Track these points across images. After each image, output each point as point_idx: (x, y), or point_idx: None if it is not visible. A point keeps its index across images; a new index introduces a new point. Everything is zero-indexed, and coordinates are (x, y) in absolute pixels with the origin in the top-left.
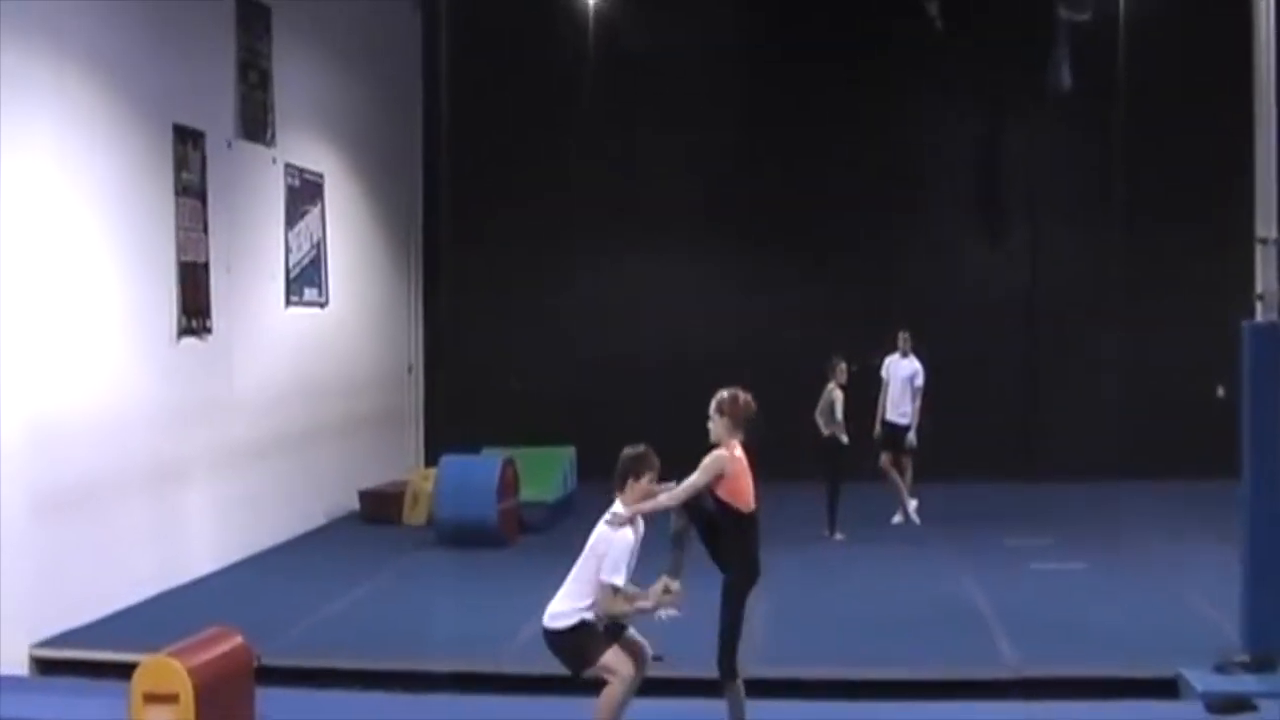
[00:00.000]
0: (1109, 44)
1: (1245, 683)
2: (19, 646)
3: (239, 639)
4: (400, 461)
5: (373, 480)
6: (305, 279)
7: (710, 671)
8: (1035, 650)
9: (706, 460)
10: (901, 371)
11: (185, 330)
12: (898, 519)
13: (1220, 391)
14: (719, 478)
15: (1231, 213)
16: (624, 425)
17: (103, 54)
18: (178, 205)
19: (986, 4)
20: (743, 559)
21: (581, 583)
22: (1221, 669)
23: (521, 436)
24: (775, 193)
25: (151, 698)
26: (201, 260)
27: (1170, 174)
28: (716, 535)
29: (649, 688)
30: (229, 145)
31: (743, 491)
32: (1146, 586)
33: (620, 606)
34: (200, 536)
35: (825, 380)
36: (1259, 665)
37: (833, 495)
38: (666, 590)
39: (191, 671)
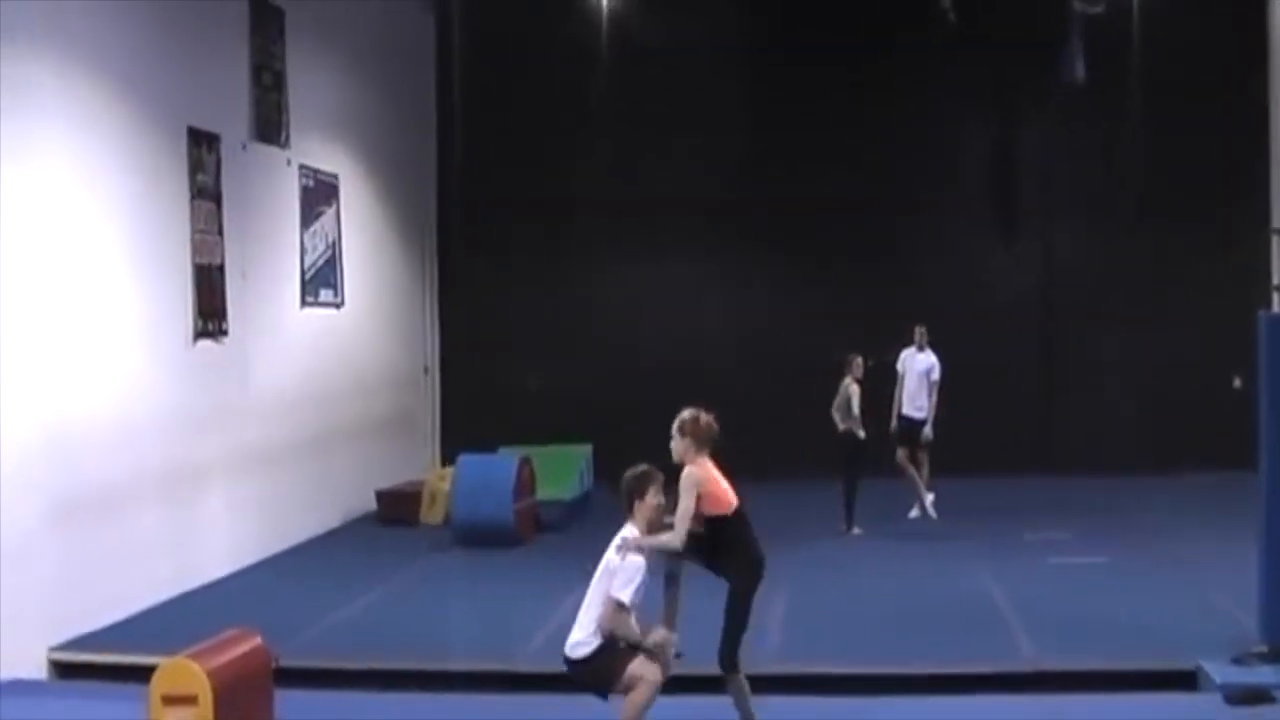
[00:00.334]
0: (1122, 36)
1: (1264, 674)
2: (37, 650)
3: (257, 640)
4: (417, 462)
5: (389, 481)
6: (320, 280)
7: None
8: (1053, 644)
9: (683, 482)
10: (918, 366)
11: (201, 333)
12: (915, 513)
13: (1237, 383)
14: (699, 493)
15: (1247, 205)
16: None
17: (116, 58)
18: (193, 208)
19: (996, 2)
20: (742, 560)
21: (597, 609)
22: (1240, 661)
23: (538, 436)
24: (786, 195)
25: (170, 700)
26: (217, 263)
27: (1184, 167)
28: (714, 550)
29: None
30: (243, 147)
31: (720, 495)
32: (1164, 579)
33: (624, 629)
34: (217, 539)
35: (840, 377)
36: (1277, 657)
37: (850, 490)
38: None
39: (210, 673)
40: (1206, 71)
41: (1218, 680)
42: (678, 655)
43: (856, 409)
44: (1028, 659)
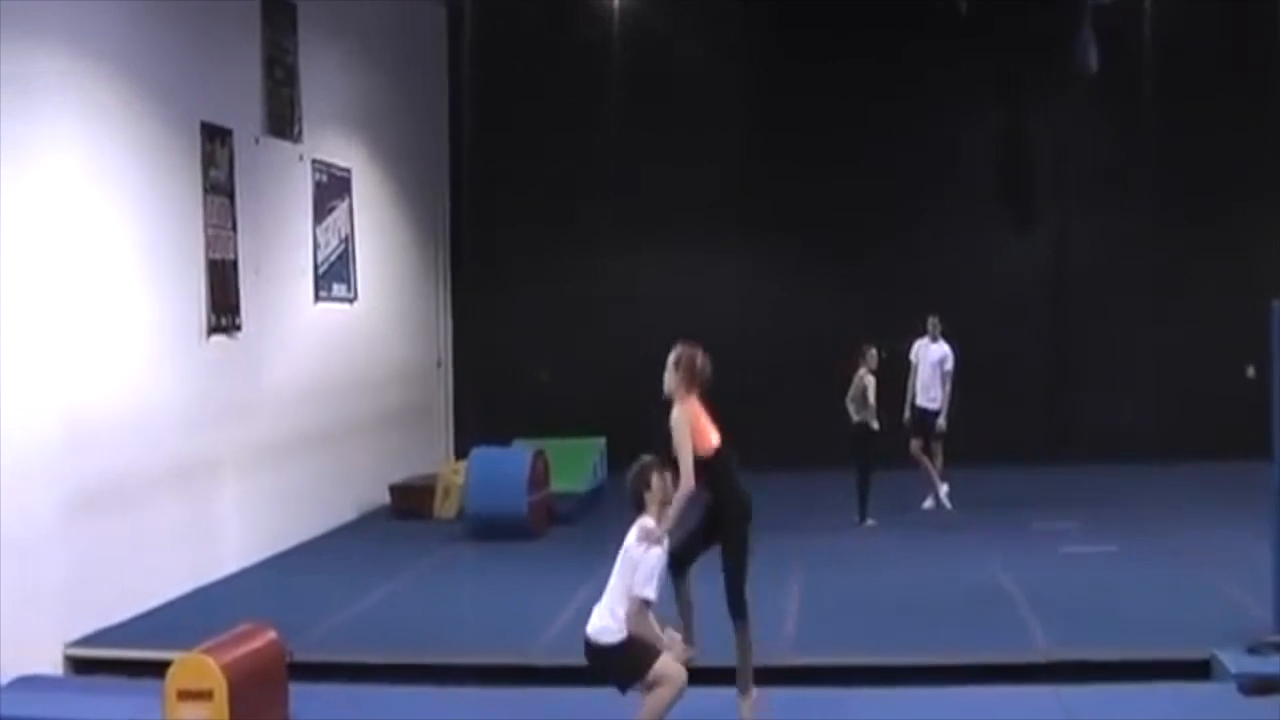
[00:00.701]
0: (1135, 26)
1: (1278, 664)
2: (53, 646)
3: (271, 635)
4: (430, 455)
5: (403, 474)
6: (334, 275)
7: (725, 661)
8: (1066, 633)
9: (675, 422)
10: (931, 356)
11: (215, 328)
12: (929, 504)
13: (1250, 372)
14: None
15: (1261, 195)
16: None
17: (129, 53)
18: (206, 203)
19: None
20: (728, 504)
21: (619, 595)
22: (1254, 650)
23: (551, 428)
24: (796, 187)
25: (185, 695)
26: (230, 258)
27: (1197, 156)
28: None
29: None
30: (256, 142)
31: (703, 434)
32: (1177, 569)
33: (647, 629)
34: (232, 533)
35: (854, 368)
36: None
37: (863, 481)
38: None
39: (225, 668)
40: (1220, 61)
41: (1232, 670)
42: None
43: (872, 400)
44: (1041, 649)
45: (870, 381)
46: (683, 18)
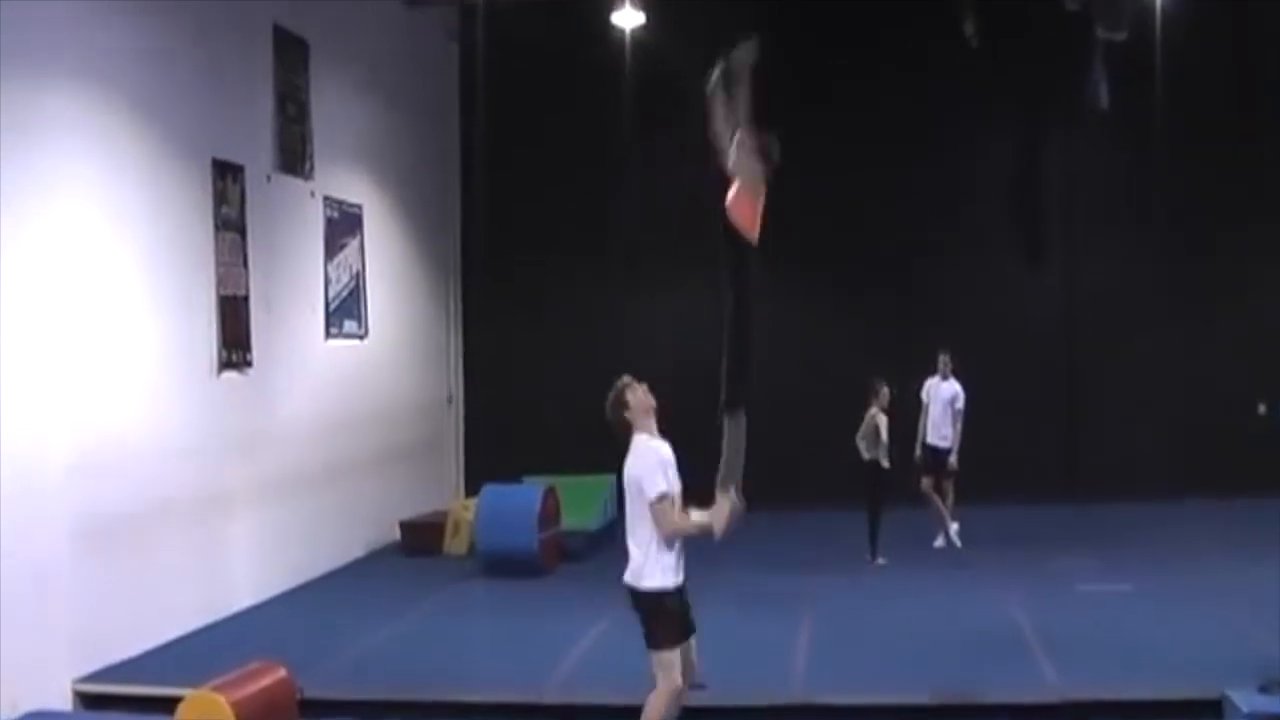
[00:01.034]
0: (1147, 62)
1: None
2: (63, 681)
3: (282, 672)
4: (441, 492)
5: (413, 511)
6: (344, 311)
7: (749, 699)
8: (1080, 673)
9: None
10: (942, 394)
11: (226, 364)
12: (940, 543)
13: (1262, 409)
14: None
15: (1271, 229)
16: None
17: (141, 90)
18: (217, 239)
19: (1022, 25)
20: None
21: (637, 522)
22: (1266, 689)
23: (562, 465)
24: (810, 219)
25: None
26: (241, 294)
27: (1209, 191)
28: None
29: (688, 715)
30: (268, 179)
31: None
32: (1191, 606)
33: (681, 523)
34: (242, 569)
35: (866, 405)
36: None
37: (874, 520)
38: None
39: (235, 705)
40: (1231, 98)
41: (1244, 709)
42: (700, 686)
43: (884, 438)
44: (1053, 688)
45: (882, 420)
46: (694, 53)
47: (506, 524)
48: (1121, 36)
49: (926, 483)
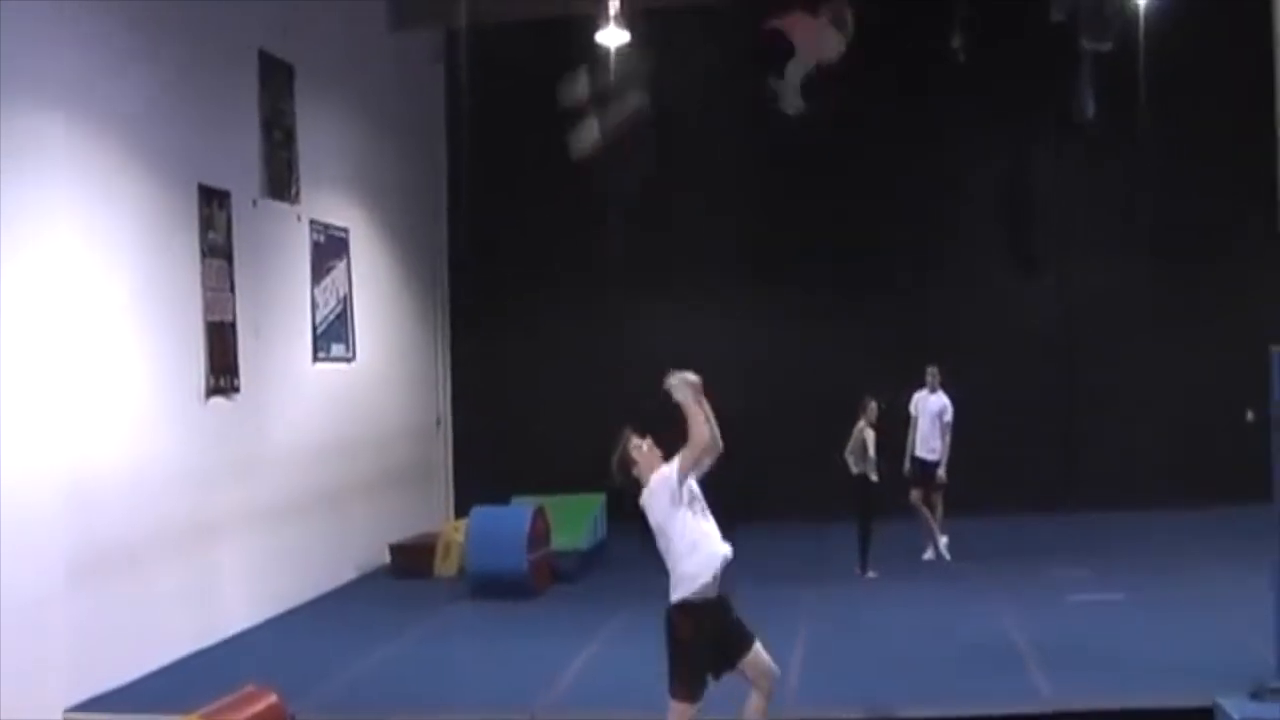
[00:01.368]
0: (1131, 72)
1: None
2: (55, 710)
3: (273, 697)
4: (431, 514)
5: (403, 533)
6: (332, 334)
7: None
8: (1072, 683)
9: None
10: (930, 407)
11: (214, 390)
12: (929, 555)
13: (1250, 416)
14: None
15: (1260, 240)
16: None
17: (127, 117)
18: (204, 265)
19: (1009, 37)
20: None
21: (669, 550)
22: (1257, 696)
23: (551, 485)
24: (801, 234)
25: None
26: (228, 319)
27: (1197, 202)
28: None
29: None
30: (254, 204)
31: None
32: (1183, 615)
33: (696, 429)
34: (233, 594)
35: (855, 419)
36: None
37: (864, 533)
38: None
39: None
40: (1216, 104)
41: (1235, 717)
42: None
43: (872, 452)
44: (1045, 699)
45: (870, 434)
46: (681, 69)
47: (496, 545)
48: (1107, 47)
49: (916, 496)
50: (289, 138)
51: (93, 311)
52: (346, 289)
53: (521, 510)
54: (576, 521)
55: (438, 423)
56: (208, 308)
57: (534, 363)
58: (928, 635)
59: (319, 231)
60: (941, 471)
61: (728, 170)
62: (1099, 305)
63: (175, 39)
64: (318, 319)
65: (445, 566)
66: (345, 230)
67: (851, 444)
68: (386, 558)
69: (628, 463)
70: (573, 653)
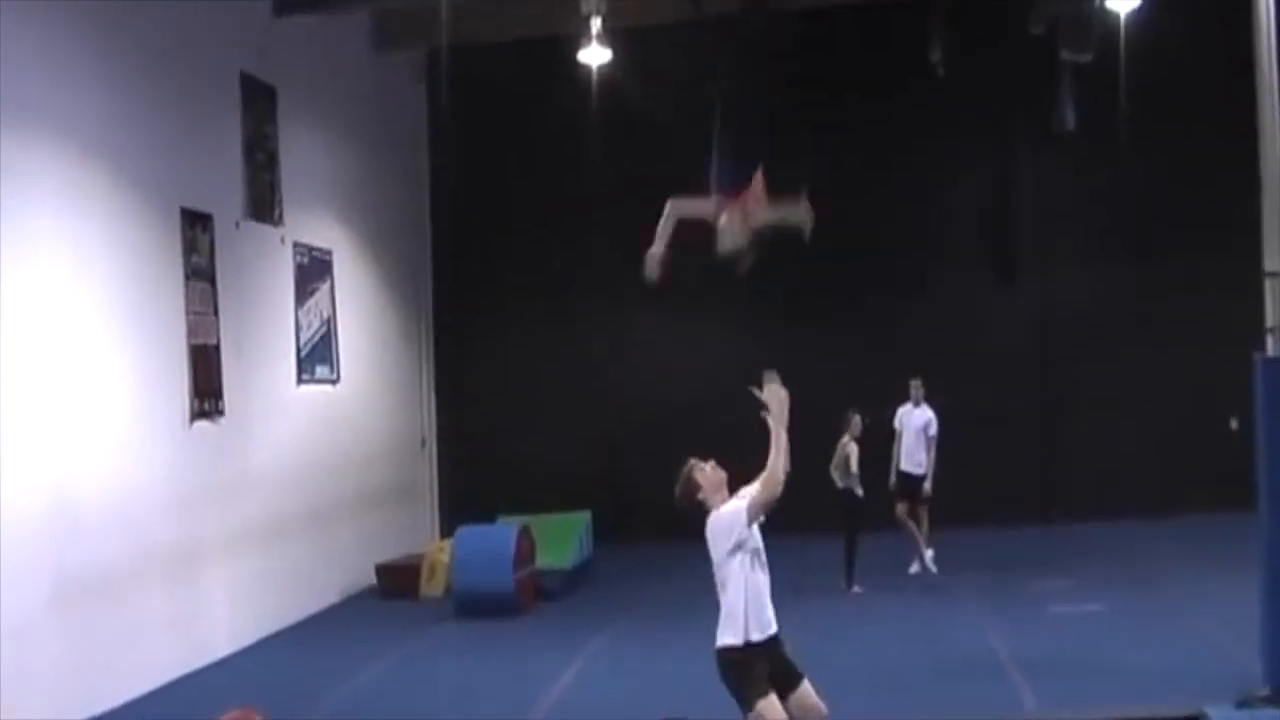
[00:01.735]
0: (1111, 83)
1: (1268, 717)
2: None
3: None
4: (416, 534)
5: (389, 554)
6: (316, 356)
7: None
8: (1056, 694)
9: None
10: (915, 421)
11: (198, 413)
12: (915, 569)
13: (1234, 424)
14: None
15: (1240, 247)
16: (638, 489)
17: (108, 140)
18: (188, 289)
19: (988, 50)
20: None
21: (722, 586)
22: (1244, 705)
23: (536, 504)
24: (783, 248)
25: None
26: (212, 342)
27: (1178, 211)
28: None
29: None
30: (237, 226)
31: None
32: (1167, 624)
33: (774, 469)
34: (219, 617)
35: (838, 435)
36: None
37: (850, 548)
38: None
39: None
40: (1195, 114)
41: None
42: None
43: (855, 467)
44: (1030, 711)
45: (853, 449)
46: (663, 87)
47: (482, 565)
48: (1087, 58)
49: (901, 509)
50: (271, 160)
51: (77, 336)
52: (330, 310)
53: (507, 529)
54: (562, 540)
55: (422, 443)
56: (191, 331)
57: (518, 382)
58: (914, 649)
59: (302, 253)
60: (927, 485)
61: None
62: (1081, 315)
63: (157, 62)
64: (302, 341)
65: (431, 587)
66: (329, 252)
67: (836, 459)
68: (372, 579)
69: (693, 488)
70: (559, 671)
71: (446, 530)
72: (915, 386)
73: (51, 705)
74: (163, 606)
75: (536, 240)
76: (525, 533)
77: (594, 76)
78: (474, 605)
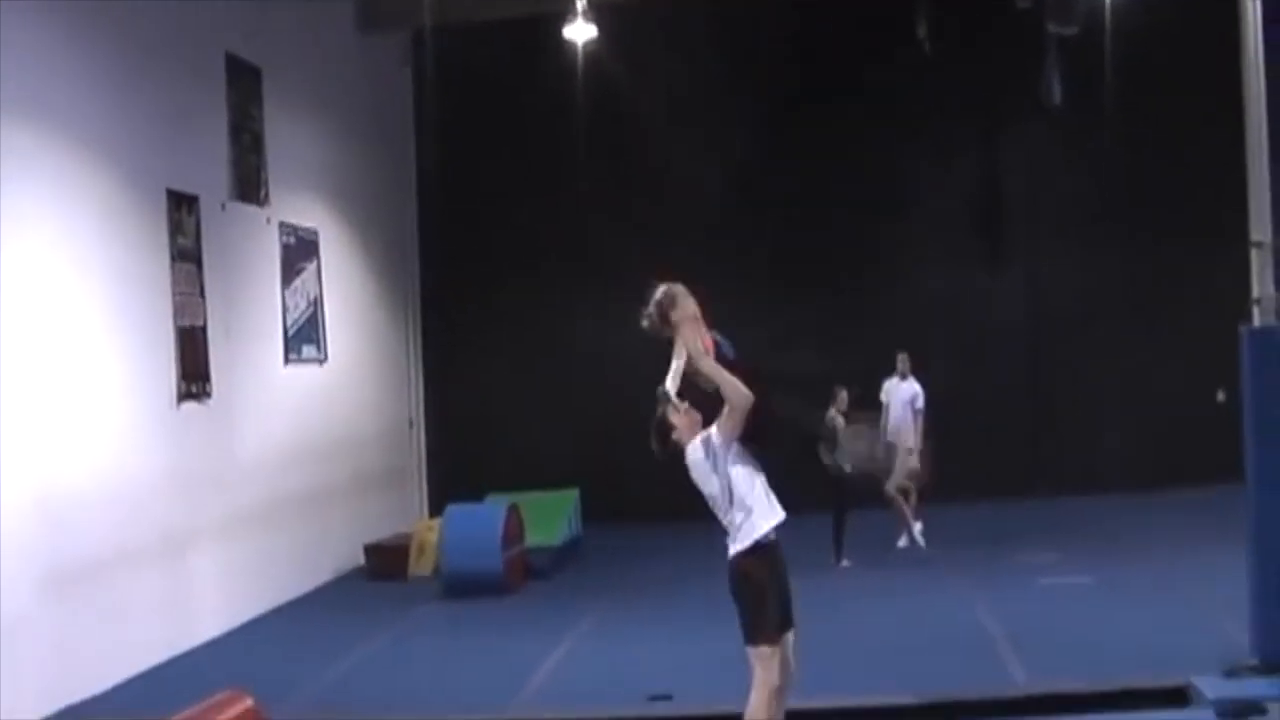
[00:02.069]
0: (1097, 57)
1: (1256, 687)
2: None
3: (249, 701)
4: (405, 514)
5: (378, 534)
6: (303, 336)
7: (720, 708)
8: (1044, 666)
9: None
10: (901, 395)
11: (185, 395)
12: (903, 542)
13: (1220, 396)
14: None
15: (1227, 218)
16: (626, 466)
17: (93, 123)
18: (174, 270)
19: (974, 25)
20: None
21: (715, 500)
22: (1232, 675)
23: (524, 482)
24: (772, 226)
25: None
26: (199, 324)
27: (1165, 184)
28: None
29: None
30: (223, 207)
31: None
32: (1155, 596)
33: (708, 370)
34: (208, 599)
35: (826, 409)
36: (1269, 669)
37: (838, 523)
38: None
39: None
40: (1182, 89)
41: (1209, 695)
42: (665, 697)
43: (843, 442)
44: (1018, 683)
45: (840, 423)
46: (648, 69)
47: (471, 544)
48: (1073, 31)
49: (889, 484)
50: (257, 141)
51: (63, 318)
52: (317, 290)
53: (495, 508)
54: (550, 518)
55: (410, 423)
56: (178, 312)
57: (506, 361)
58: (903, 622)
59: (288, 233)
60: (914, 459)
61: (696, 166)
62: (1069, 289)
63: (142, 43)
64: (288, 321)
65: (420, 566)
66: (315, 232)
67: (822, 433)
68: (361, 559)
69: (666, 428)
70: (548, 649)
71: (435, 510)
72: (902, 360)
73: (41, 689)
74: (151, 589)
75: (524, 219)
76: (514, 511)
77: (580, 54)
78: (463, 584)
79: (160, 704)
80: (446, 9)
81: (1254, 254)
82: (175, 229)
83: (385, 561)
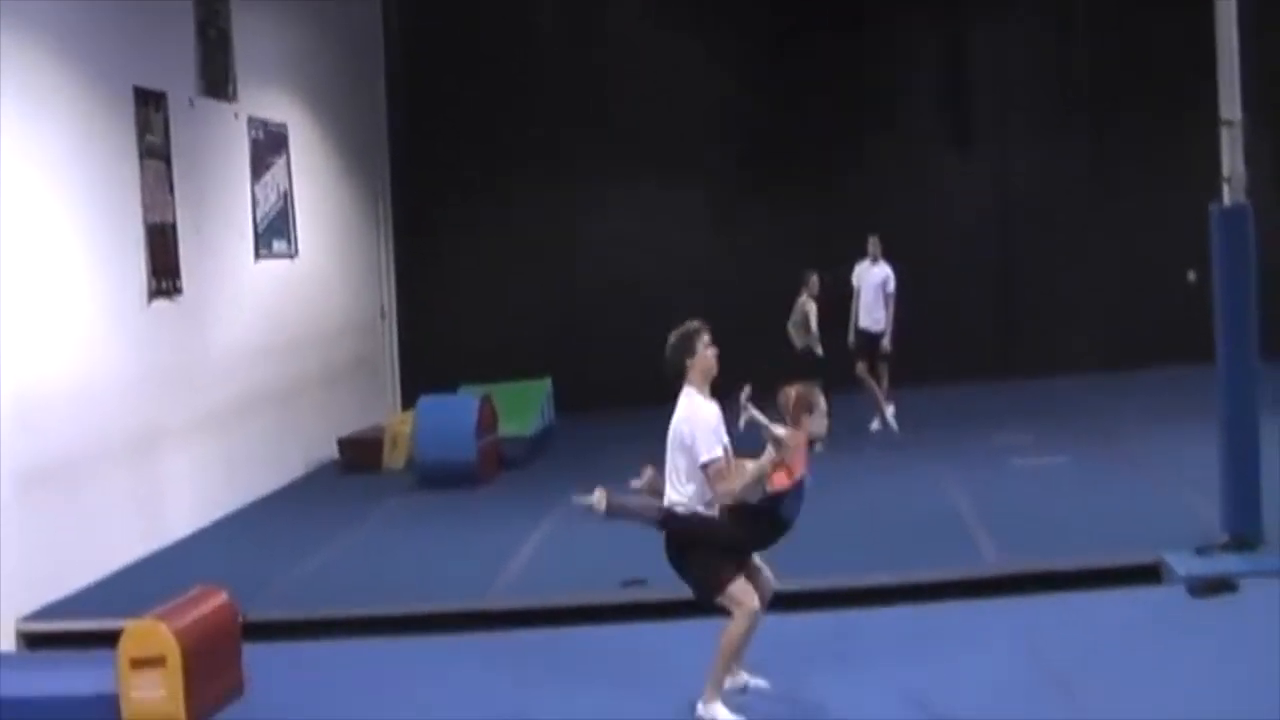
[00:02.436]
0: None
1: (1227, 563)
2: (5, 622)
3: (223, 597)
4: (378, 407)
5: (352, 428)
6: (273, 231)
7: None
8: (1016, 546)
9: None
10: (873, 278)
11: (156, 292)
12: (876, 425)
13: (1191, 276)
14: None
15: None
16: (599, 355)
17: (59, 20)
18: (142, 168)
19: None
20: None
21: (679, 474)
22: (1203, 552)
23: (497, 373)
24: (742, 116)
25: (138, 662)
26: (169, 221)
27: (1133, 65)
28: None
29: (630, 612)
30: (191, 104)
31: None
32: (1128, 476)
33: (737, 481)
34: (182, 497)
35: (796, 294)
36: (1239, 545)
37: None
38: (776, 441)
39: (177, 633)
40: None
41: (1180, 572)
42: (640, 581)
43: (814, 326)
44: (991, 562)
45: (811, 307)
46: None
47: (444, 435)
48: None
49: (861, 367)
50: (224, 37)
51: (31, 218)
52: (287, 185)
53: (468, 399)
54: (524, 408)
55: (382, 315)
56: (147, 210)
57: (478, 252)
58: (874, 505)
59: (257, 128)
60: (886, 342)
61: (669, 60)
62: (1037, 174)
63: None
64: (259, 216)
65: (394, 459)
66: (283, 126)
67: (794, 317)
68: (334, 453)
69: (689, 350)
70: (523, 538)
71: (408, 402)
72: (873, 243)
73: (17, 589)
74: (124, 489)
75: (494, 112)
76: (487, 402)
77: None
78: (436, 476)
79: (135, 602)
80: None
81: (1223, 132)
82: (143, 126)
83: (358, 455)
